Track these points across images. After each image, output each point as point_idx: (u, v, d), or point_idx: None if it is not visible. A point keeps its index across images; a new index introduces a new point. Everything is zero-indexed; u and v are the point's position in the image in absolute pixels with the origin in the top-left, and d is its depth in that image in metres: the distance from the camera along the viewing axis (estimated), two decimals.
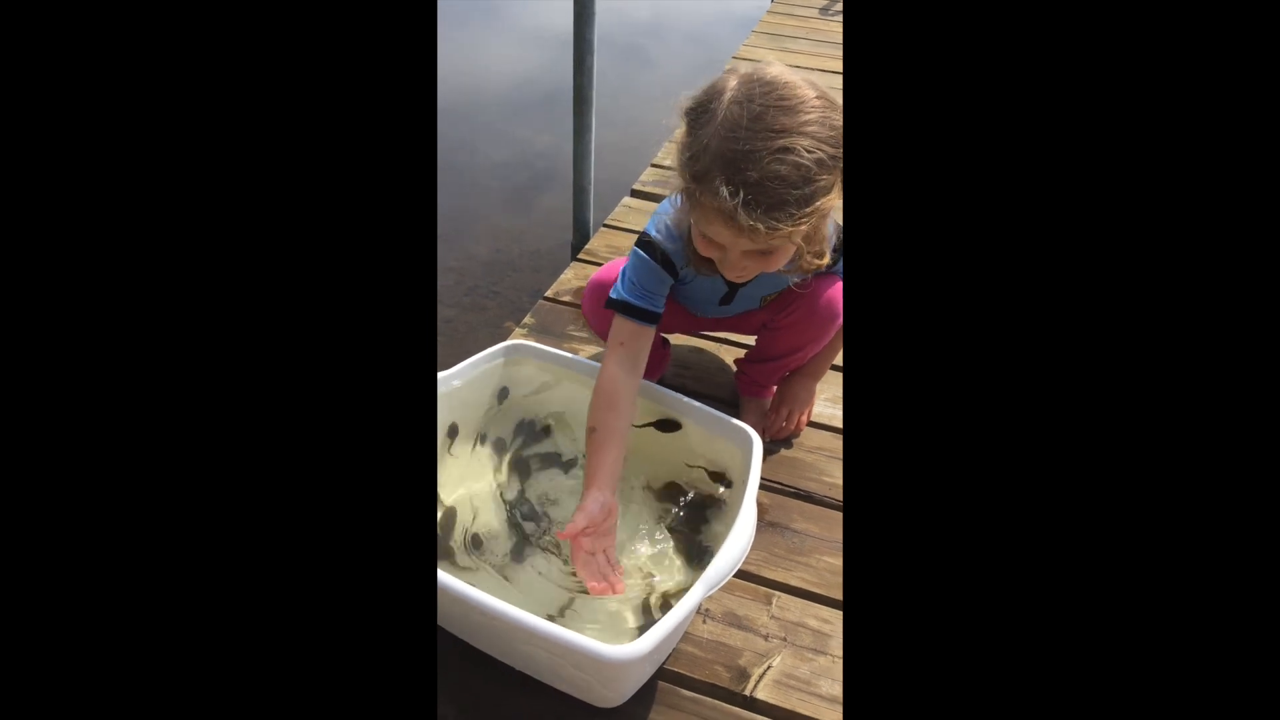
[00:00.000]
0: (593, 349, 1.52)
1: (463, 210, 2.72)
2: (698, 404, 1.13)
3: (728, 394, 1.40)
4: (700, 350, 1.51)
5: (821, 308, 1.20)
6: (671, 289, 1.17)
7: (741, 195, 0.90)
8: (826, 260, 1.08)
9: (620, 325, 1.12)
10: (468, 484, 1.16)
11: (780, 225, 0.92)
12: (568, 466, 1.21)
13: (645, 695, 0.95)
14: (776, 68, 0.95)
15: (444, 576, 0.86)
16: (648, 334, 1.13)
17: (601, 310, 1.20)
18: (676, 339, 1.44)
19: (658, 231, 1.12)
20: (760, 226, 0.92)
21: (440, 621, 0.99)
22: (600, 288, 1.24)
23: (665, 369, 1.44)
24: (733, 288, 1.19)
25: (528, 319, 1.60)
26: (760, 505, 1.01)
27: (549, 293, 1.67)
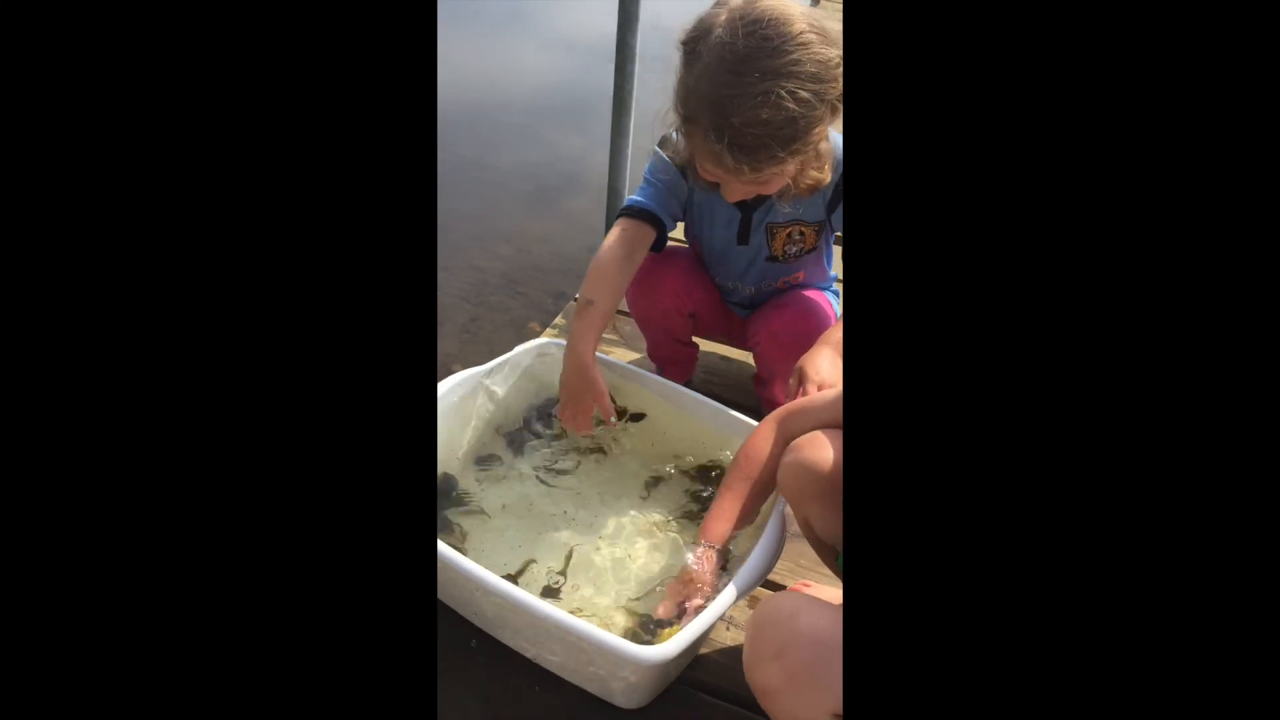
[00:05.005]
0: (621, 351, 1.52)
1: (489, 211, 2.73)
2: (727, 409, 1.13)
3: (756, 401, 1.40)
4: (729, 359, 1.51)
5: (792, 334, 1.20)
6: (696, 238, 1.23)
7: (725, 140, 0.93)
8: (827, 176, 1.10)
9: (625, 221, 1.16)
10: (504, 482, 1.17)
11: (764, 166, 0.95)
12: (597, 457, 1.22)
13: (667, 698, 0.95)
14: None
15: (474, 568, 0.86)
16: (648, 233, 1.16)
17: (637, 292, 1.26)
18: (706, 346, 1.45)
19: (676, 140, 1.14)
20: (745, 168, 0.95)
21: (467, 614, 0.99)
22: (639, 275, 1.26)
23: (694, 371, 1.44)
24: (745, 217, 1.19)
25: (558, 319, 1.61)
26: (788, 516, 1.01)
27: (579, 294, 1.68)
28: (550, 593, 1.03)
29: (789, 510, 0.96)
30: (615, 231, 1.16)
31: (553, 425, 1.23)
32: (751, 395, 1.41)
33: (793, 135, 0.93)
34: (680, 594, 0.92)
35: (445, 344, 2.09)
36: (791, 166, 1.00)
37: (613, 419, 1.14)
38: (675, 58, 0.99)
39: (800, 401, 0.95)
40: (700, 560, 0.94)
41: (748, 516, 0.97)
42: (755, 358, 1.32)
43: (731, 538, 0.96)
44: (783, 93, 0.90)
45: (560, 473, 1.19)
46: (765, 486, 0.96)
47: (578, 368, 1.09)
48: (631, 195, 1.20)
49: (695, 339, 1.40)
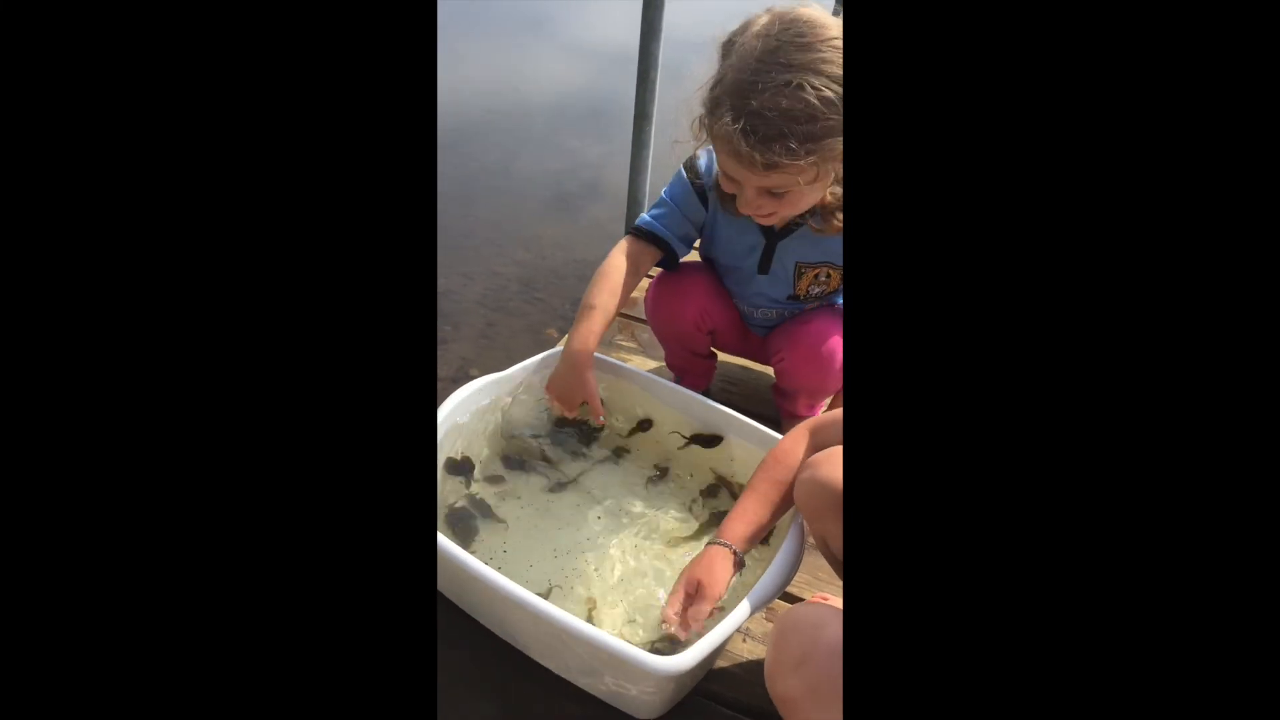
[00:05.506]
0: (640, 359, 1.52)
1: (508, 217, 2.75)
2: (744, 418, 1.13)
3: (774, 411, 1.39)
4: (747, 369, 1.51)
5: (816, 351, 1.20)
6: (716, 265, 1.23)
7: (742, 123, 0.92)
8: None
9: (631, 239, 1.19)
10: (519, 491, 1.17)
11: (777, 158, 0.93)
12: (619, 454, 1.23)
13: (683, 709, 0.94)
14: (813, 9, 0.95)
15: (491, 574, 0.86)
16: (652, 254, 1.19)
17: (658, 309, 1.28)
18: (724, 356, 1.44)
19: (703, 163, 1.16)
20: (757, 156, 0.93)
21: (484, 620, 0.99)
22: (658, 285, 1.27)
23: (711, 380, 1.44)
24: (769, 246, 1.18)
25: None
26: (807, 528, 1.00)
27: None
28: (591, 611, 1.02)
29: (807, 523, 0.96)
30: (621, 245, 1.18)
31: (566, 436, 1.23)
32: (771, 405, 1.40)
33: (810, 133, 0.91)
34: (689, 587, 0.90)
35: (462, 349, 2.10)
36: (806, 175, 0.97)
37: (601, 418, 1.17)
38: (701, 63, 1.00)
39: (836, 413, 0.95)
40: (713, 560, 0.91)
41: (771, 521, 0.96)
42: (777, 373, 1.32)
43: (752, 544, 0.94)
44: (806, 85, 0.90)
45: (573, 480, 1.19)
46: (790, 492, 0.95)
47: (573, 366, 1.12)
48: (645, 212, 1.21)
49: (713, 349, 1.40)
